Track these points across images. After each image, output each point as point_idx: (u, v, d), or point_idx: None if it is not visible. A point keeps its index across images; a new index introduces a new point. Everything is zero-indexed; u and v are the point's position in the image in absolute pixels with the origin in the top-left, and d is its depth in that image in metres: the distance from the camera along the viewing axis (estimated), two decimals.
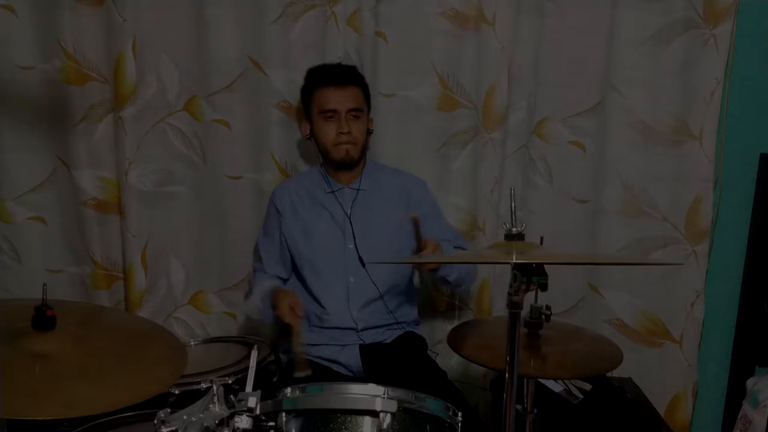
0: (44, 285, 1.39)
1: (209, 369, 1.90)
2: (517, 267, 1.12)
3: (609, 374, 2.24)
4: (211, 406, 1.25)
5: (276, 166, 2.28)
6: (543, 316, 1.59)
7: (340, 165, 2.09)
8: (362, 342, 2.02)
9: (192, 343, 2.27)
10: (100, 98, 2.24)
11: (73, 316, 1.47)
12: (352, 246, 2.05)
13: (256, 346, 1.37)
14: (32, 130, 2.26)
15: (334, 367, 2.01)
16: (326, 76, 2.08)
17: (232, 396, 1.26)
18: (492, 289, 2.32)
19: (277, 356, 2.00)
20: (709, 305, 2.31)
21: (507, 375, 1.18)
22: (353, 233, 2.05)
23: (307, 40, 2.22)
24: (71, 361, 1.33)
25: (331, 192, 2.11)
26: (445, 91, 2.24)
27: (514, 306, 1.16)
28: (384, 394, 1.19)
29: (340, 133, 2.04)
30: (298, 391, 1.25)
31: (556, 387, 2.04)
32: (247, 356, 1.99)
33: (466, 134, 2.27)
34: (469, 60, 2.22)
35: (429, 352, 2.16)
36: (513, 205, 1.21)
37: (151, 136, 2.28)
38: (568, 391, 2.05)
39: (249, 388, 1.27)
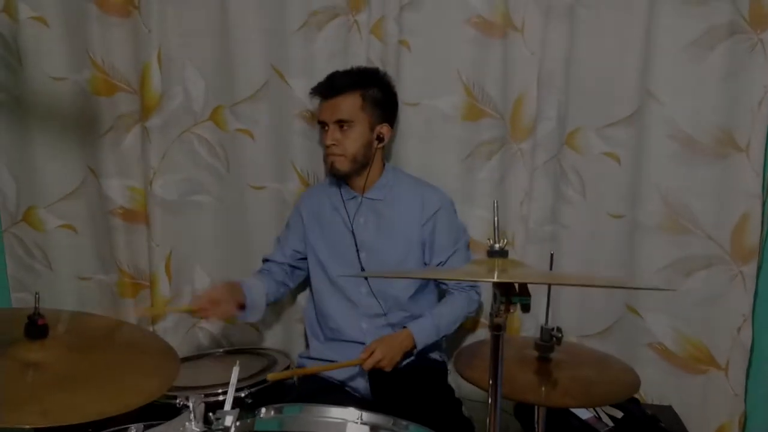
0: (36, 294, 1.39)
1: (226, 381, 1.88)
2: (497, 286, 1.04)
3: (648, 401, 2.11)
4: (187, 423, 1.22)
5: (297, 176, 2.25)
6: (554, 339, 1.50)
7: (336, 175, 2.08)
8: None
9: (215, 353, 2.28)
10: (128, 108, 2.27)
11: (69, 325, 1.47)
12: (363, 256, 2.00)
13: (238, 363, 1.32)
14: (64, 140, 2.30)
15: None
16: (318, 89, 2.08)
17: (210, 413, 1.22)
18: None
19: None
20: (757, 330, 2.13)
21: (489, 401, 1.09)
22: (356, 244, 2.00)
23: (331, 49, 2.19)
24: (59, 370, 1.32)
25: (342, 201, 2.07)
26: (471, 100, 2.16)
27: (496, 328, 1.07)
28: (357, 419, 1.13)
29: (326, 145, 2.03)
30: (273, 412, 1.20)
31: (584, 414, 1.92)
32: (264, 370, 1.99)
33: (493, 145, 2.18)
34: (496, 68, 2.13)
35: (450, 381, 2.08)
36: (496, 219, 1.12)
37: (177, 146, 2.29)
38: (598, 418, 1.92)
39: (228, 406, 1.23)
